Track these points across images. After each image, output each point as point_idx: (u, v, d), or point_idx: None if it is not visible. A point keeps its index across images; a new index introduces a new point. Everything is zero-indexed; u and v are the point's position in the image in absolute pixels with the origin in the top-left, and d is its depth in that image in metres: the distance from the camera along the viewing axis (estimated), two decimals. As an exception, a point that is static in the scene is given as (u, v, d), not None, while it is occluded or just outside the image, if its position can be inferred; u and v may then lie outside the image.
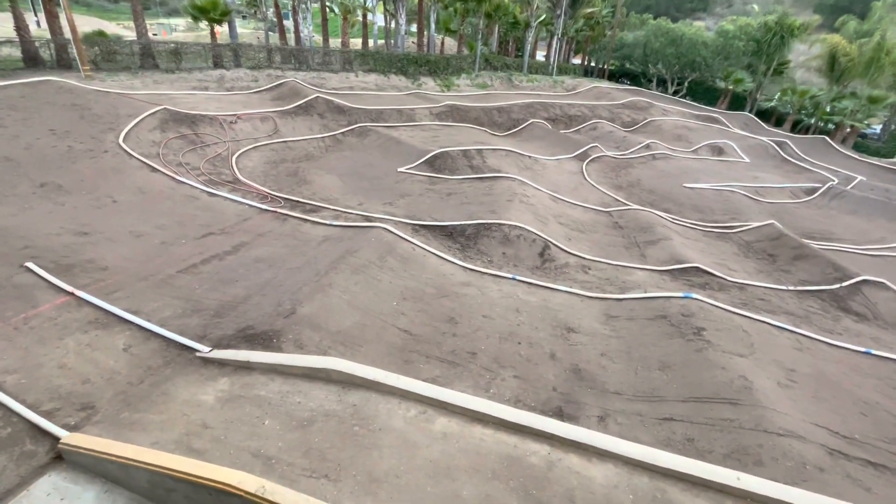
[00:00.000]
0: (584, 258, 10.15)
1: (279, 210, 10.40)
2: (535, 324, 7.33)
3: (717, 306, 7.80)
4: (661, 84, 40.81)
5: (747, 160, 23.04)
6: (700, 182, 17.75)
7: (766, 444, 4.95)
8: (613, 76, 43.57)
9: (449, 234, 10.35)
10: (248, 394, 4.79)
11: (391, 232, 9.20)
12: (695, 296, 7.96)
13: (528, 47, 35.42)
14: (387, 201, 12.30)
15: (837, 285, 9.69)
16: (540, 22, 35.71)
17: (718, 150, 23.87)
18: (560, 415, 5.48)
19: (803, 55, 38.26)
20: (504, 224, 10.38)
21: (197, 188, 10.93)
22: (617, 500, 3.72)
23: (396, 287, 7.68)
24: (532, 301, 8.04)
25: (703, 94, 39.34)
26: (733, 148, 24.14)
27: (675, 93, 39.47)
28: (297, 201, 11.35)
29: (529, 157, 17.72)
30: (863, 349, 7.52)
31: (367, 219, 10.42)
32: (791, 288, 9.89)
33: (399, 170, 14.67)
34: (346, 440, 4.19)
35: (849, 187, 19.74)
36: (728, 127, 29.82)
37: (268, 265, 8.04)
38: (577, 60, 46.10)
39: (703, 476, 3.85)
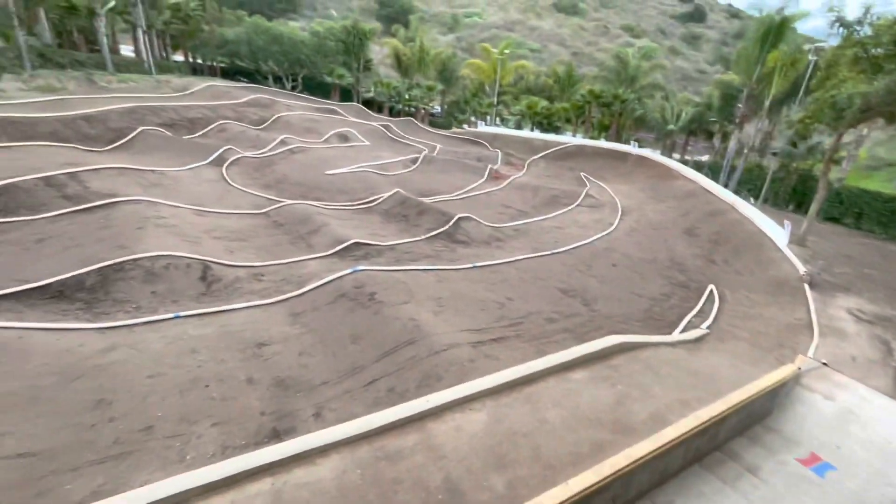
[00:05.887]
0: (253, 266, 9.63)
1: None
2: (220, 356, 6.50)
3: (379, 270, 9.10)
4: (278, 81, 42.04)
5: (368, 143, 27.30)
6: (338, 168, 19.79)
7: (439, 363, 6.30)
8: (228, 74, 41.51)
9: (58, 295, 7.57)
10: None
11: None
12: (361, 268, 8.99)
13: (105, 40, 28.66)
14: None
15: (446, 226, 13.13)
16: (111, 10, 29.25)
17: (344, 138, 27.15)
18: (277, 436, 5.18)
19: (380, 54, 47.69)
20: (142, 257, 8.46)
21: None
22: (348, 483, 3.88)
23: (-22, 401, 5.06)
24: (208, 333, 7.05)
25: (316, 88, 43.17)
26: (355, 134, 27.99)
27: (292, 88, 41.56)
28: None
29: (152, 171, 14.88)
30: (469, 265, 10.59)
31: None
32: (422, 238, 12.69)
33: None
34: None
35: (435, 154, 26.70)
36: (346, 116, 34.18)
37: None
38: (179, 57, 41.03)
39: (405, 415, 4.52)
